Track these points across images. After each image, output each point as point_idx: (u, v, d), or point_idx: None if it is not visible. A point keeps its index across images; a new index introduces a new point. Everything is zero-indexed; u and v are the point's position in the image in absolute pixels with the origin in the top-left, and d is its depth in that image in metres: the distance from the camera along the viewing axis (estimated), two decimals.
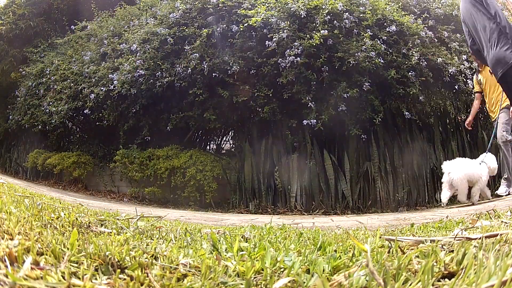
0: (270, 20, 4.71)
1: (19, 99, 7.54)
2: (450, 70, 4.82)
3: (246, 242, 1.30)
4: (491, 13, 2.22)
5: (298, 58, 4.52)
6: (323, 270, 0.83)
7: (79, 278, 0.72)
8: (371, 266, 0.70)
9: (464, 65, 4.94)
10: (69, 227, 1.24)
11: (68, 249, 0.86)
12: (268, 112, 4.81)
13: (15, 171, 8.29)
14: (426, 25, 5.10)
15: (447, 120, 5.49)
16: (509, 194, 4.27)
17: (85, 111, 6.04)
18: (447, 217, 2.50)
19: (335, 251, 1.11)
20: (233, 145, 6.08)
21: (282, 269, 0.85)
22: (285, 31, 4.57)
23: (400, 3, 5.33)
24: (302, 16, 4.68)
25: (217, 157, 5.41)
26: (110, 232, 1.30)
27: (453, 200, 4.91)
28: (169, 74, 5.10)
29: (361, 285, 0.71)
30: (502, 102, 4.33)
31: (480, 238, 1.03)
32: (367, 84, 4.58)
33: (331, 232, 1.93)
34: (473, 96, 4.80)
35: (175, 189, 5.15)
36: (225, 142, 6.38)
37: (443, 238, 1.12)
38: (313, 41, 4.46)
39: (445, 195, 3.88)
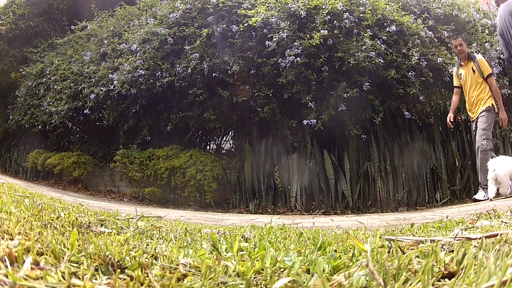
0: (270, 20, 4.71)
1: (19, 99, 7.54)
2: (450, 70, 4.82)
3: (246, 242, 1.30)
4: None
5: (298, 58, 4.52)
6: (323, 270, 0.83)
7: (79, 278, 0.72)
8: (371, 266, 0.70)
9: None
10: (69, 227, 1.24)
11: (68, 249, 0.86)
12: (268, 112, 4.81)
13: (15, 171, 8.29)
14: (426, 25, 5.10)
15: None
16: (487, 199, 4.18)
17: (85, 111, 6.04)
18: (447, 217, 2.50)
19: (335, 251, 1.11)
20: (233, 145, 6.08)
21: (282, 269, 0.85)
22: (285, 31, 4.57)
23: (400, 3, 5.33)
24: (302, 16, 4.68)
25: (217, 157, 5.41)
26: (110, 232, 1.30)
27: (453, 201, 4.91)
28: (169, 74, 5.10)
29: (361, 285, 0.71)
30: (484, 102, 4.23)
31: (480, 238, 1.03)
32: (367, 84, 4.58)
33: (331, 232, 1.93)
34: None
35: (175, 189, 5.15)
36: (225, 142, 6.38)
37: (443, 238, 1.12)
38: (313, 41, 4.46)
39: (491, 190, 4.02)
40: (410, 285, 0.70)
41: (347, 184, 4.77)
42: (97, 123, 6.14)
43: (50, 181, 6.95)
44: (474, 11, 5.79)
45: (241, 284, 0.75)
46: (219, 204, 5.13)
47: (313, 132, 4.80)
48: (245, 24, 4.73)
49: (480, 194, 4.28)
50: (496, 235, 1.06)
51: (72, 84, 6.43)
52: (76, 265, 0.79)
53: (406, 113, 4.76)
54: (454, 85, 4.59)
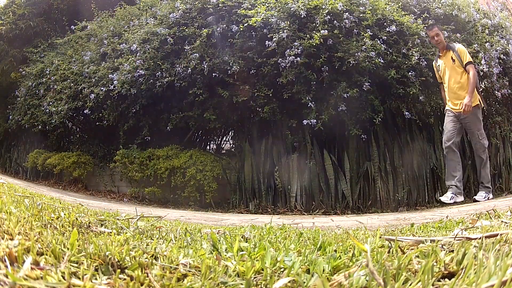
0: (270, 20, 4.71)
1: (19, 99, 7.53)
2: None
3: (246, 242, 1.30)
4: None
5: (298, 58, 4.52)
6: (323, 270, 0.83)
7: (79, 278, 0.72)
8: (371, 266, 0.70)
9: None
10: (69, 227, 1.24)
11: (68, 249, 0.86)
12: (268, 112, 4.81)
13: (15, 171, 8.29)
14: (426, 25, 5.10)
15: None
16: (456, 202, 4.15)
17: (85, 111, 6.03)
18: (447, 217, 2.50)
19: (335, 251, 1.11)
20: (233, 145, 6.08)
21: (282, 269, 0.85)
22: (285, 31, 4.57)
23: (400, 3, 5.33)
24: (302, 16, 4.68)
25: (217, 157, 5.41)
26: (110, 232, 1.30)
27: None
28: (169, 74, 5.10)
29: (361, 285, 0.71)
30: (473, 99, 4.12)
31: (480, 238, 1.03)
32: (367, 84, 4.58)
33: (331, 232, 1.93)
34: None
35: (175, 189, 5.15)
36: (225, 142, 6.37)
37: (443, 238, 1.12)
38: (313, 41, 4.46)
39: None
40: (410, 285, 0.70)
41: (347, 184, 4.77)
42: (97, 123, 6.14)
43: (50, 181, 6.94)
44: (474, 11, 5.79)
45: (241, 284, 0.75)
46: (219, 204, 5.13)
47: (313, 132, 4.80)
48: (245, 24, 4.73)
49: (480, 195, 4.28)
50: (496, 235, 1.06)
51: (72, 84, 6.42)
52: (76, 265, 0.79)
53: (406, 113, 4.76)
54: (438, 81, 4.56)
